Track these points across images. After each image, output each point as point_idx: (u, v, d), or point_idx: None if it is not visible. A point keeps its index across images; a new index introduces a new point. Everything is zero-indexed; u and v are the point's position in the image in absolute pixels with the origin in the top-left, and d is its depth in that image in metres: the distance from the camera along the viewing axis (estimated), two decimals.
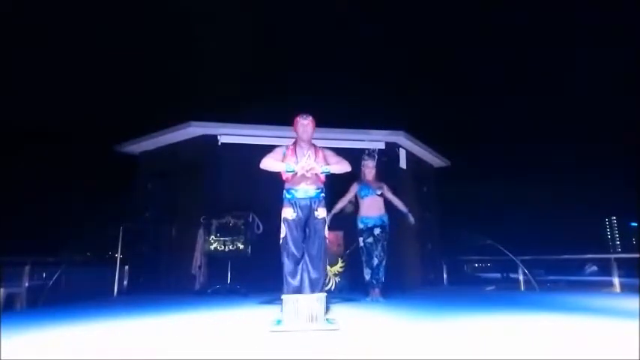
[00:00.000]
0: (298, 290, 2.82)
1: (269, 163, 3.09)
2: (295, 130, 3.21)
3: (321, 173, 3.05)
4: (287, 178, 3.10)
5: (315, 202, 3.05)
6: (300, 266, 2.96)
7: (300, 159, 3.09)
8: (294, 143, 3.22)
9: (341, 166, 3.16)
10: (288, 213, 3.03)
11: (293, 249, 2.95)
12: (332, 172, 3.10)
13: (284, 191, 3.11)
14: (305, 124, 3.17)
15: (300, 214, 3.02)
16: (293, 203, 3.05)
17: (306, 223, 3.04)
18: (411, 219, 4.50)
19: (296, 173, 3.03)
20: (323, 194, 3.12)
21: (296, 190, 3.07)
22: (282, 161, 3.09)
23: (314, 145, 3.24)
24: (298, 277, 2.92)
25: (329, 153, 3.24)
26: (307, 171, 2.97)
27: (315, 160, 3.08)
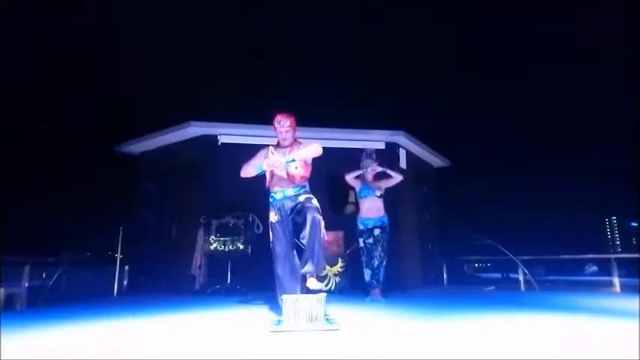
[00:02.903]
0: (290, 292, 2.77)
1: (245, 171, 3.04)
2: (275, 132, 3.12)
3: (287, 163, 2.89)
4: (267, 182, 3.07)
5: (294, 198, 2.99)
6: (289, 268, 2.92)
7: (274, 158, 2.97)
8: (277, 144, 3.15)
9: (306, 150, 2.95)
10: (271, 217, 3.02)
11: (279, 252, 2.93)
12: (298, 158, 2.91)
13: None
14: (284, 132, 3.05)
15: (283, 214, 2.99)
16: (274, 206, 3.03)
17: (292, 218, 3.00)
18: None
19: (272, 176, 3.00)
20: (304, 189, 3.04)
21: (275, 192, 3.05)
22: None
23: (295, 142, 3.11)
24: (287, 279, 2.89)
25: (305, 143, 3.08)
26: (273, 166, 2.87)
27: (289, 154, 2.96)
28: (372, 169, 4.45)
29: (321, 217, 2.84)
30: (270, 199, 3.08)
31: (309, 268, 2.76)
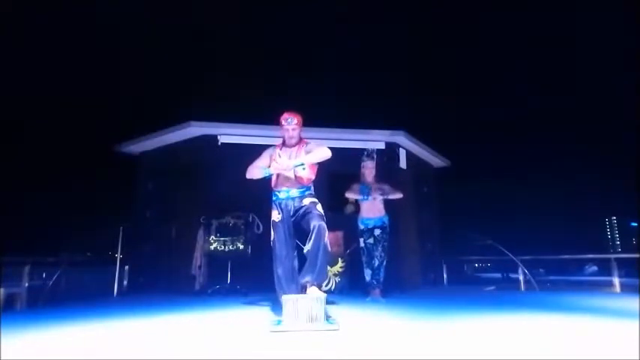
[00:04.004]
0: (290, 292, 2.75)
1: (250, 172, 3.02)
2: (281, 131, 3.11)
3: (295, 167, 2.88)
4: (272, 181, 3.05)
5: (297, 200, 2.98)
6: (289, 269, 2.89)
7: (281, 160, 2.94)
8: (282, 143, 3.13)
9: (316, 155, 2.92)
10: (274, 215, 3.01)
11: (280, 252, 2.91)
12: (307, 162, 2.90)
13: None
14: (290, 130, 3.03)
15: (285, 214, 2.97)
16: (277, 205, 3.02)
17: (294, 220, 2.98)
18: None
19: (278, 176, 2.97)
20: (309, 192, 3.03)
21: (279, 192, 3.03)
22: (270, 164, 3.01)
23: (301, 141, 3.10)
24: (288, 280, 2.86)
25: (312, 145, 3.05)
26: (281, 170, 2.85)
27: (295, 157, 2.95)
28: (374, 197, 4.39)
29: (325, 227, 2.82)
30: (274, 198, 3.06)
31: (309, 278, 2.73)
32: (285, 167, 2.85)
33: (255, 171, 3.02)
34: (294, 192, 3.00)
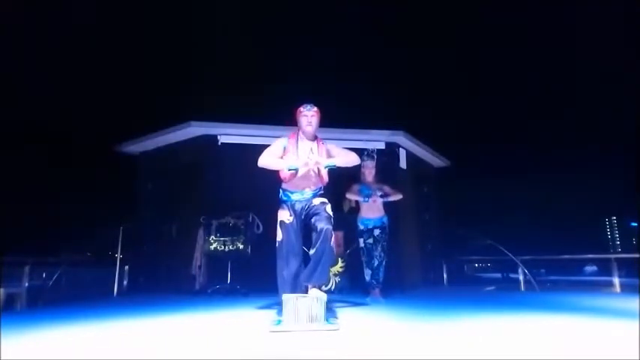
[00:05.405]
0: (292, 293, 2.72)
1: (268, 161, 2.84)
2: (298, 122, 2.97)
3: (325, 168, 2.82)
4: (284, 177, 2.89)
5: (309, 200, 2.91)
6: (295, 271, 2.83)
7: (302, 154, 2.86)
8: (296, 135, 2.99)
9: (347, 158, 2.90)
10: (284, 216, 2.89)
11: (288, 254, 2.83)
12: (338, 165, 2.84)
13: (280, 191, 3.00)
14: (309, 115, 2.90)
15: (296, 215, 2.90)
16: (289, 206, 2.91)
17: (304, 221, 2.93)
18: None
19: (296, 172, 2.83)
20: (320, 192, 2.98)
21: (292, 192, 2.92)
22: (283, 156, 2.90)
23: (317, 139, 3.01)
24: (292, 281, 2.82)
25: (332, 146, 3.00)
26: (313, 165, 2.76)
27: (319, 155, 2.87)
28: (373, 200, 4.38)
29: (332, 230, 2.78)
30: (284, 198, 2.96)
31: (311, 279, 2.72)
32: (317, 165, 2.77)
33: (274, 162, 2.86)
34: (308, 193, 2.91)
